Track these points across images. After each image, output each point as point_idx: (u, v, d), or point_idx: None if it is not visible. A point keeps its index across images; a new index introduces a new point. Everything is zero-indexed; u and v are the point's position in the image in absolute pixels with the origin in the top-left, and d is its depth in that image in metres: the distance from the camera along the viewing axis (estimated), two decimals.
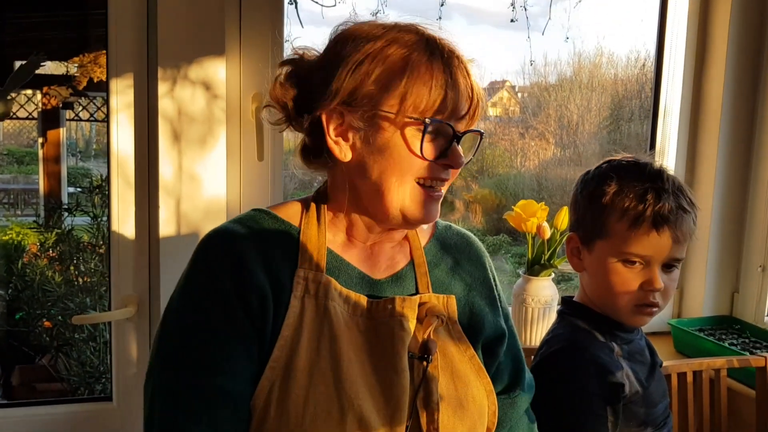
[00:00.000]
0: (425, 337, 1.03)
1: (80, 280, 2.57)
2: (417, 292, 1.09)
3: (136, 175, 1.73)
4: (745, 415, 1.77)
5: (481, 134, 1.06)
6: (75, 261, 2.60)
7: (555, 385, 1.29)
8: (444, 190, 1.05)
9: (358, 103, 0.99)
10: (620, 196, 1.29)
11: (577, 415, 1.26)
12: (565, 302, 1.45)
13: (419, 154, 0.98)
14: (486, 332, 1.13)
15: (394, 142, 0.99)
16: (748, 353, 1.84)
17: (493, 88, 4.48)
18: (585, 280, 1.39)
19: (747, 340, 2.01)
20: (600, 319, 1.36)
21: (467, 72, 1.01)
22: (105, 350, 2.41)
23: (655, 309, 1.31)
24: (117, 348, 1.78)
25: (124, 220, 1.74)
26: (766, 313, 2.07)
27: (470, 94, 1.01)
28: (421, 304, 1.06)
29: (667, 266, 1.30)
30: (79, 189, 2.91)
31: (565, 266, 1.86)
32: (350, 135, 1.02)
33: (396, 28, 1.02)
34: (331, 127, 1.01)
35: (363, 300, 1.04)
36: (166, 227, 1.70)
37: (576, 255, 1.39)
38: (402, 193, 1.01)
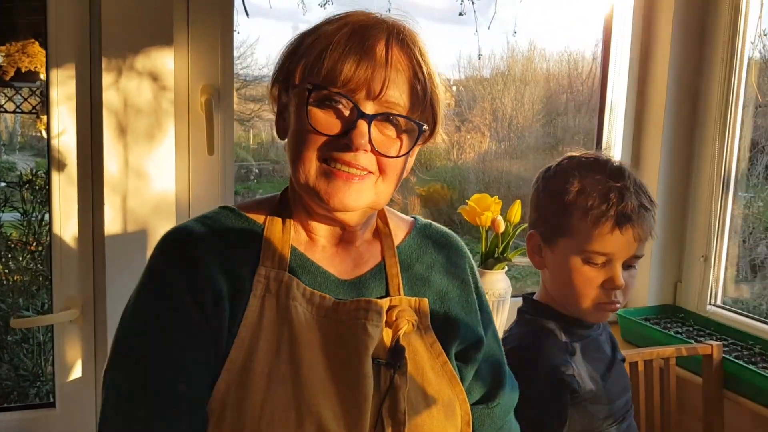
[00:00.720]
0: (393, 342, 0.99)
1: (11, 279, 2.45)
2: (387, 294, 1.04)
3: (78, 170, 1.65)
4: (692, 401, 1.82)
5: (419, 126, 0.98)
6: (4, 259, 2.47)
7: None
8: (363, 173, 0.95)
9: (283, 81, 1.00)
10: (583, 195, 1.29)
11: (529, 413, 1.23)
12: (526, 300, 1.45)
13: (307, 122, 0.93)
14: (461, 337, 1.08)
15: (294, 113, 0.97)
16: (693, 341, 1.90)
17: None
18: (546, 277, 1.39)
19: (691, 328, 2.07)
20: (559, 317, 1.36)
21: (390, 48, 0.94)
22: (39, 352, 2.30)
23: (616, 306, 1.32)
24: (59, 352, 1.70)
25: (66, 218, 1.66)
26: (707, 302, 2.13)
27: (384, 73, 0.93)
28: (391, 307, 1.01)
29: (628, 264, 1.31)
30: (4, 183, 2.77)
31: (519, 259, 1.87)
32: (285, 115, 1.02)
33: (356, 14, 0.99)
34: (276, 110, 1.03)
35: (327, 300, 0.99)
36: (111, 225, 1.63)
37: (537, 253, 1.38)
38: (307, 169, 0.95)
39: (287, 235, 1.02)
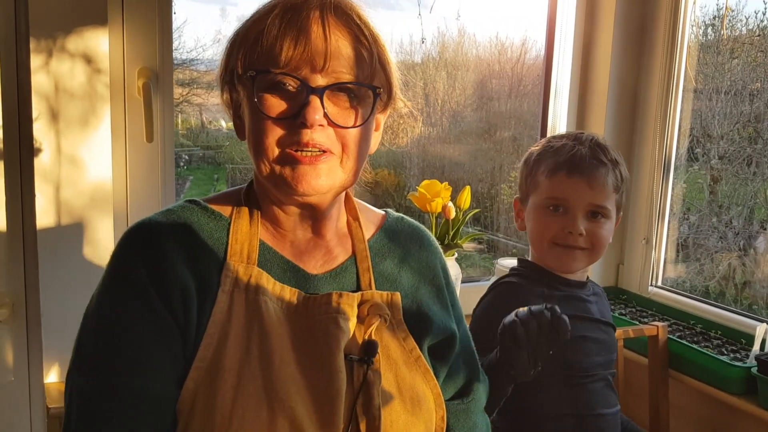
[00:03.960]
0: (366, 337, 0.96)
1: None
2: (359, 289, 1.02)
3: (5, 159, 1.54)
4: (638, 381, 1.86)
5: (373, 90, 0.95)
6: None
7: (475, 318, 1.47)
8: (326, 154, 0.92)
9: (229, 80, 0.98)
10: (543, 154, 1.48)
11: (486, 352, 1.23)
12: (519, 261, 1.58)
13: (259, 110, 0.91)
14: (434, 332, 1.06)
15: (246, 105, 0.95)
16: (637, 322, 1.94)
17: None
18: (528, 238, 1.54)
19: (633, 310, 2.11)
20: (533, 268, 1.51)
21: (325, 18, 0.91)
22: None
23: (577, 252, 1.44)
24: None
25: None
26: (649, 284, 2.18)
27: (324, 44, 0.90)
28: (362, 302, 0.99)
29: (592, 214, 1.44)
30: None
31: (469, 245, 1.87)
32: (240, 113, 1.00)
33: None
34: (231, 112, 1.02)
35: (298, 295, 0.96)
36: (44, 217, 1.53)
37: (519, 216, 1.55)
38: (269, 158, 0.92)
39: (255, 229, 0.99)
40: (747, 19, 4.43)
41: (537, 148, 1.51)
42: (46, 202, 1.52)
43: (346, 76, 0.92)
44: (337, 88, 0.92)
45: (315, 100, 0.90)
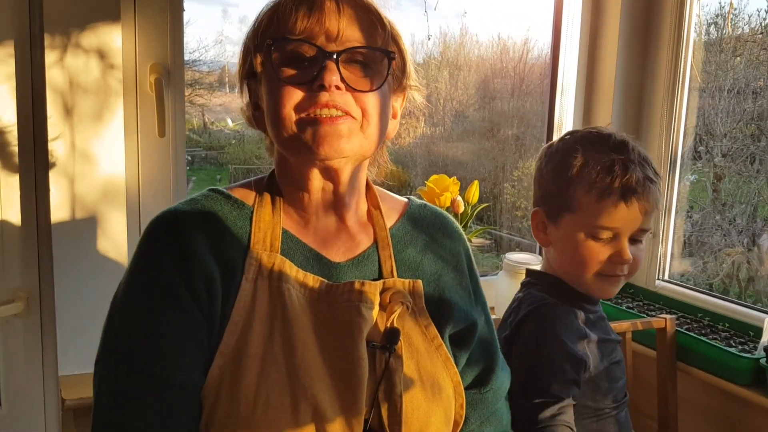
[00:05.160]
0: (388, 325, 0.98)
1: None
2: (381, 277, 1.02)
3: (20, 154, 1.55)
4: (646, 374, 1.87)
5: (388, 54, 0.97)
6: None
7: (525, 348, 1.28)
8: (346, 116, 0.94)
9: (248, 71, 1.01)
10: (587, 169, 1.26)
11: (546, 378, 1.23)
12: (530, 274, 1.43)
13: (277, 78, 0.94)
14: (455, 320, 1.06)
15: (265, 82, 0.97)
16: (644, 315, 1.95)
17: None
18: (551, 254, 1.37)
19: (641, 303, 2.13)
20: (564, 288, 1.35)
21: None
22: None
23: (621, 279, 1.32)
24: (3, 348, 1.60)
25: (7, 205, 1.56)
26: (656, 277, 2.19)
27: (338, 15, 0.93)
28: (385, 290, 1.00)
29: (635, 238, 1.30)
30: None
31: (478, 239, 1.88)
32: (259, 102, 1.02)
33: None
34: (251, 105, 1.04)
35: (321, 283, 0.98)
36: (58, 211, 1.54)
37: (542, 230, 1.36)
38: (289, 125, 0.94)
39: (278, 217, 1.00)
40: (749, 17, 4.41)
41: (573, 159, 1.29)
42: (61, 196, 1.54)
43: (360, 44, 0.95)
44: (351, 55, 0.94)
45: (331, 65, 0.92)
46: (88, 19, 1.52)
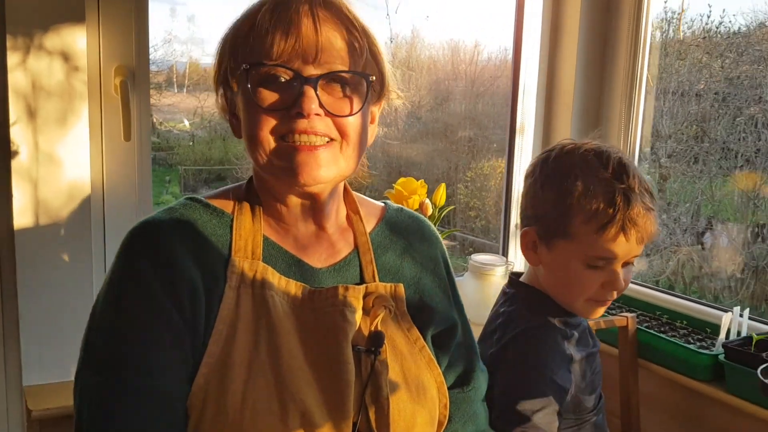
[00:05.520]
0: (372, 328, 0.99)
1: None
2: (363, 282, 1.03)
3: None
4: (609, 370, 1.91)
5: (365, 77, 0.96)
6: None
7: (512, 374, 1.26)
8: (325, 141, 0.93)
9: (223, 80, 0.99)
10: (587, 198, 1.22)
11: (535, 401, 1.22)
12: (516, 284, 1.40)
13: (254, 102, 0.92)
14: (436, 321, 1.08)
15: (242, 100, 0.96)
16: (606, 314, 2.00)
17: None
18: (540, 272, 1.35)
19: None
20: (551, 305, 1.33)
21: (315, 12, 0.92)
22: None
23: (609, 303, 1.32)
24: None
25: None
26: None
27: (316, 36, 0.91)
28: (367, 294, 1.01)
29: (627, 262, 1.29)
30: None
31: (444, 241, 1.89)
32: (236, 111, 1.00)
33: None
34: (227, 116, 1.03)
35: (303, 289, 0.98)
36: (21, 217, 1.50)
37: (532, 249, 1.32)
38: (266, 150, 0.93)
39: (258, 224, 1.00)
40: (692, 21, 4.56)
41: (572, 185, 1.23)
42: (24, 201, 1.50)
43: (339, 66, 0.93)
44: (330, 77, 0.93)
45: (309, 90, 0.91)
46: (51, 20, 1.48)
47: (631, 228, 1.22)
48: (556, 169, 1.28)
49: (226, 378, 0.88)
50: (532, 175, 1.33)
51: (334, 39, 0.93)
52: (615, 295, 1.30)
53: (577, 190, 1.22)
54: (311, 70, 0.92)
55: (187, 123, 3.38)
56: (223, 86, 1.00)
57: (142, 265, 0.91)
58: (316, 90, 0.91)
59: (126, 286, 0.91)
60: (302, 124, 0.91)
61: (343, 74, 0.94)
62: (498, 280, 1.98)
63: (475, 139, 4.76)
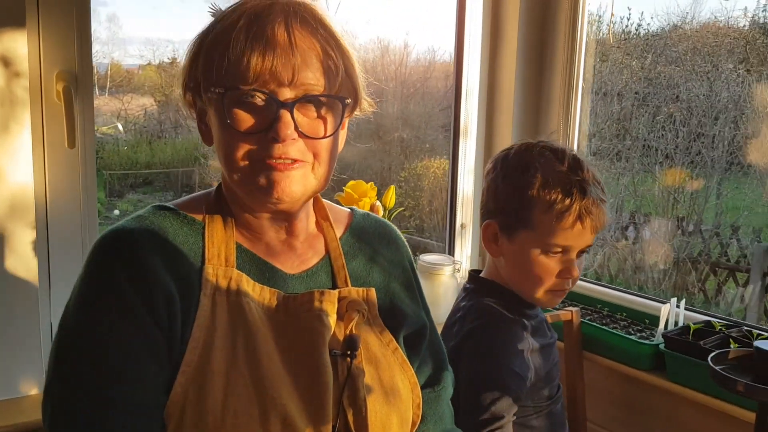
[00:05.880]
0: (347, 332, 1.00)
1: None
2: (335, 287, 1.05)
3: None
4: None
5: (341, 100, 0.97)
6: None
7: (475, 361, 1.33)
8: (299, 161, 0.94)
9: (193, 87, 0.98)
10: (546, 189, 1.31)
11: (490, 396, 1.29)
12: (475, 279, 1.47)
13: (230, 126, 0.92)
14: (407, 323, 1.11)
15: (215, 117, 0.96)
16: (550, 309, 2.06)
17: None
18: (501, 264, 1.42)
19: None
20: (508, 296, 1.41)
21: (291, 31, 0.92)
22: None
23: (566, 292, 1.41)
24: None
25: None
26: None
27: (292, 58, 0.91)
28: (341, 299, 1.02)
29: (580, 253, 1.38)
30: None
31: None
32: (206, 119, 1.01)
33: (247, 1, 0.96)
34: (194, 114, 1.02)
35: (277, 295, 0.98)
36: None
37: (494, 241, 1.41)
38: (241, 169, 0.94)
39: (230, 232, 1.00)
40: (614, 24, 4.73)
41: (532, 177, 1.33)
42: None
43: (315, 88, 0.93)
44: (306, 100, 0.94)
45: (285, 115, 0.91)
46: None
47: (587, 217, 1.32)
48: (515, 165, 1.37)
49: (205, 386, 0.88)
50: (493, 171, 1.41)
51: (309, 61, 0.92)
52: (571, 284, 1.38)
53: (537, 182, 1.32)
54: (287, 93, 0.92)
55: (120, 126, 3.26)
56: (192, 92, 0.99)
57: (116, 274, 0.89)
58: (292, 114, 0.92)
59: (100, 296, 0.90)
60: (278, 150, 0.92)
61: (320, 98, 0.95)
62: (447, 279, 2.01)
63: (408, 140, 4.81)
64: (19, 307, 1.50)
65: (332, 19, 0.98)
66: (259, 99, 0.92)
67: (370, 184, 1.89)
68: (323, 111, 0.96)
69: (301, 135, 0.93)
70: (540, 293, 1.38)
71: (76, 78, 1.60)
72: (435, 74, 4.94)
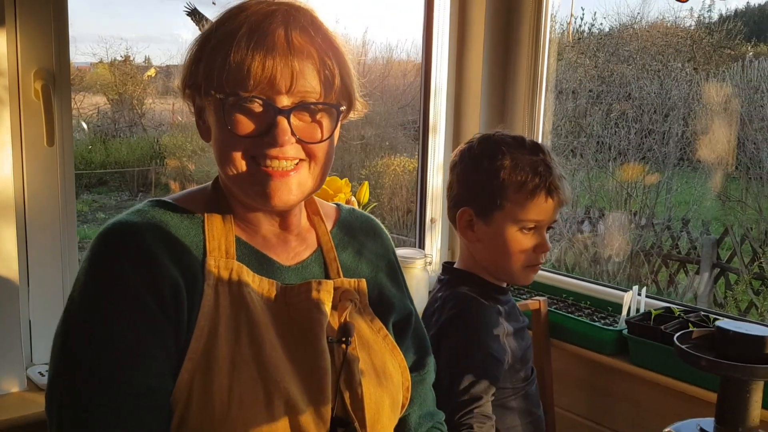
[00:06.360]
0: (341, 320, 1.05)
1: None
2: (328, 278, 1.10)
3: None
4: None
5: (336, 107, 1.03)
6: None
7: (455, 347, 1.40)
8: (295, 163, 1.00)
9: (193, 86, 1.02)
10: (515, 171, 1.42)
11: (472, 374, 1.36)
12: (449, 270, 1.55)
13: (229, 129, 0.97)
14: (396, 311, 1.17)
15: (214, 118, 1.01)
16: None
17: None
18: (476, 248, 1.50)
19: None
20: (482, 284, 1.50)
21: (290, 39, 0.96)
22: None
23: (539, 267, 1.51)
24: None
25: None
26: None
27: (290, 66, 0.96)
28: (335, 289, 1.07)
29: (548, 229, 1.50)
30: None
31: None
32: (204, 117, 1.05)
33: (248, 5, 1.00)
34: (193, 109, 1.06)
35: (276, 286, 1.03)
36: None
37: (469, 227, 1.49)
38: (238, 169, 0.99)
39: (229, 225, 1.04)
40: (574, 22, 4.83)
41: (502, 161, 1.43)
42: None
43: (312, 95, 0.99)
44: (303, 107, 0.99)
45: (283, 121, 0.96)
46: None
47: (555, 191, 1.44)
48: (482, 154, 1.47)
49: (210, 372, 0.92)
50: (460, 163, 1.50)
51: (307, 69, 0.97)
52: (543, 258, 1.48)
53: (506, 166, 1.43)
54: (284, 101, 0.97)
55: (85, 126, 3.21)
56: (191, 90, 1.03)
57: (123, 264, 0.93)
58: (289, 120, 0.97)
59: (105, 288, 0.92)
60: (274, 151, 0.97)
61: (316, 105, 1.00)
62: (418, 272, 2.07)
63: (369, 138, 4.84)
64: (0, 306, 1.51)
65: (329, 25, 1.04)
66: (258, 105, 0.97)
67: (344, 180, 1.93)
68: (319, 116, 1.01)
69: (299, 141, 0.99)
70: (518, 270, 1.48)
71: (54, 76, 1.60)
72: (393, 72, 4.98)
